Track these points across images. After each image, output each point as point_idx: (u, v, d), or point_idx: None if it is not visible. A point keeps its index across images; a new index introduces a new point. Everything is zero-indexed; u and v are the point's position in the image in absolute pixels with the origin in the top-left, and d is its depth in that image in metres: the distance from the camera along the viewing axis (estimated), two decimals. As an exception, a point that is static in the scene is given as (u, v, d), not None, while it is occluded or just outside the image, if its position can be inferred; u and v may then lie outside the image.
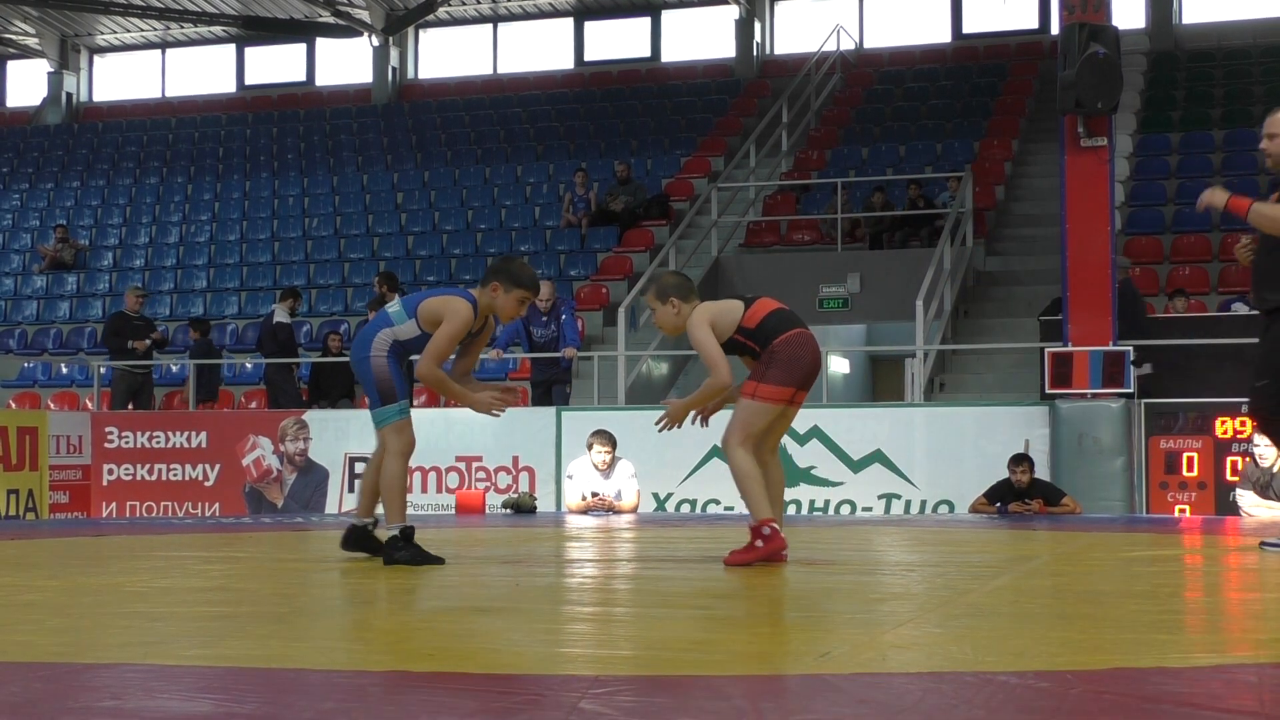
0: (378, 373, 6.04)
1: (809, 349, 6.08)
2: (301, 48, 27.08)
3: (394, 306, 6.17)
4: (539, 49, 25.81)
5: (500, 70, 25.99)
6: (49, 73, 27.53)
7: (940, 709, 2.86)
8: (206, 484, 13.44)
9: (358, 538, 6.33)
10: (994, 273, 17.16)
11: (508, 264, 6.15)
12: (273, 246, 20.64)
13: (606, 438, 10.78)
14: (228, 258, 20.54)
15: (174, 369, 16.45)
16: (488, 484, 12.52)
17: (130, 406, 14.92)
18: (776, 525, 5.96)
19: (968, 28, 23.75)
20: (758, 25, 24.41)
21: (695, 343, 6.08)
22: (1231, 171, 18.31)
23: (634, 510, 10.83)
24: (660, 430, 6.28)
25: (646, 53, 25.35)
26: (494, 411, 6.16)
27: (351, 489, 12.83)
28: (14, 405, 16.50)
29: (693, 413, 6.25)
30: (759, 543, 5.92)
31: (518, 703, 2.95)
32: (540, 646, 3.82)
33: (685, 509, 11.99)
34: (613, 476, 10.77)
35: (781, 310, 6.17)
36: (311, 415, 13.46)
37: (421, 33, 26.52)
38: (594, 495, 10.74)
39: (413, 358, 6.21)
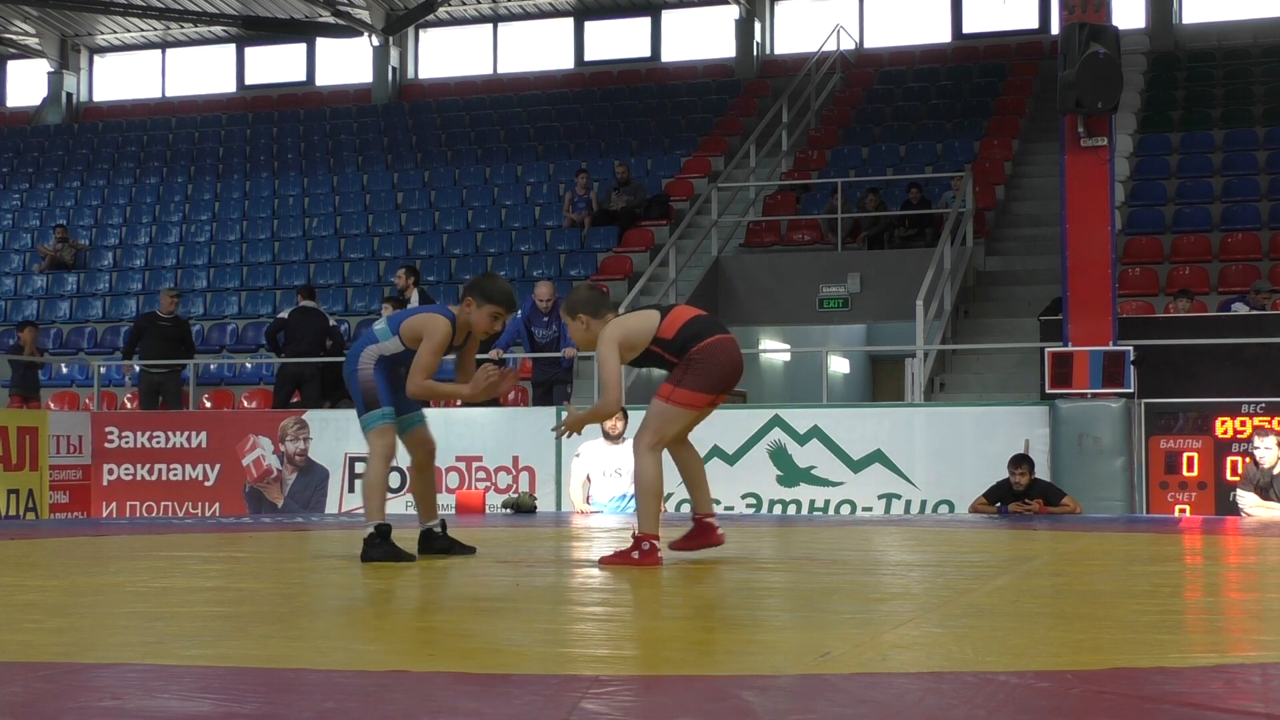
0: (363, 384, 6.40)
1: (728, 354, 5.99)
2: (301, 48, 27.07)
3: (380, 324, 6.52)
4: (539, 49, 25.80)
5: (500, 70, 25.98)
6: (49, 73, 27.52)
7: (940, 709, 2.86)
8: (206, 484, 13.43)
9: (427, 540, 6.58)
10: (994, 273, 17.15)
11: (481, 280, 6.42)
12: (273, 246, 20.63)
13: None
14: (228, 258, 20.53)
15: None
16: (488, 484, 12.50)
17: (161, 405, 14.74)
18: (658, 543, 5.99)
19: (968, 28, 23.73)
20: (758, 25, 24.40)
21: (599, 360, 6.03)
22: (1231, 171, 18.31)
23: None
24: (558, 438, 6.32)
25: (646, 53, 25.34)
26: (499, 390, 6.32)
27: (352, 489, 12.83)
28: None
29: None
30: (636, 554, 5.96)
31: (518, 703, 2.94)
32: (540, 646, 3.82)
33: (685, 509, 11.96)
34: (625, 446, 10.73)
35: (700, 317, 6.08)
36: (311, 415, 13.45)
37: (421, 33, 26.50)
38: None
39: (403, 370, 6.45)
